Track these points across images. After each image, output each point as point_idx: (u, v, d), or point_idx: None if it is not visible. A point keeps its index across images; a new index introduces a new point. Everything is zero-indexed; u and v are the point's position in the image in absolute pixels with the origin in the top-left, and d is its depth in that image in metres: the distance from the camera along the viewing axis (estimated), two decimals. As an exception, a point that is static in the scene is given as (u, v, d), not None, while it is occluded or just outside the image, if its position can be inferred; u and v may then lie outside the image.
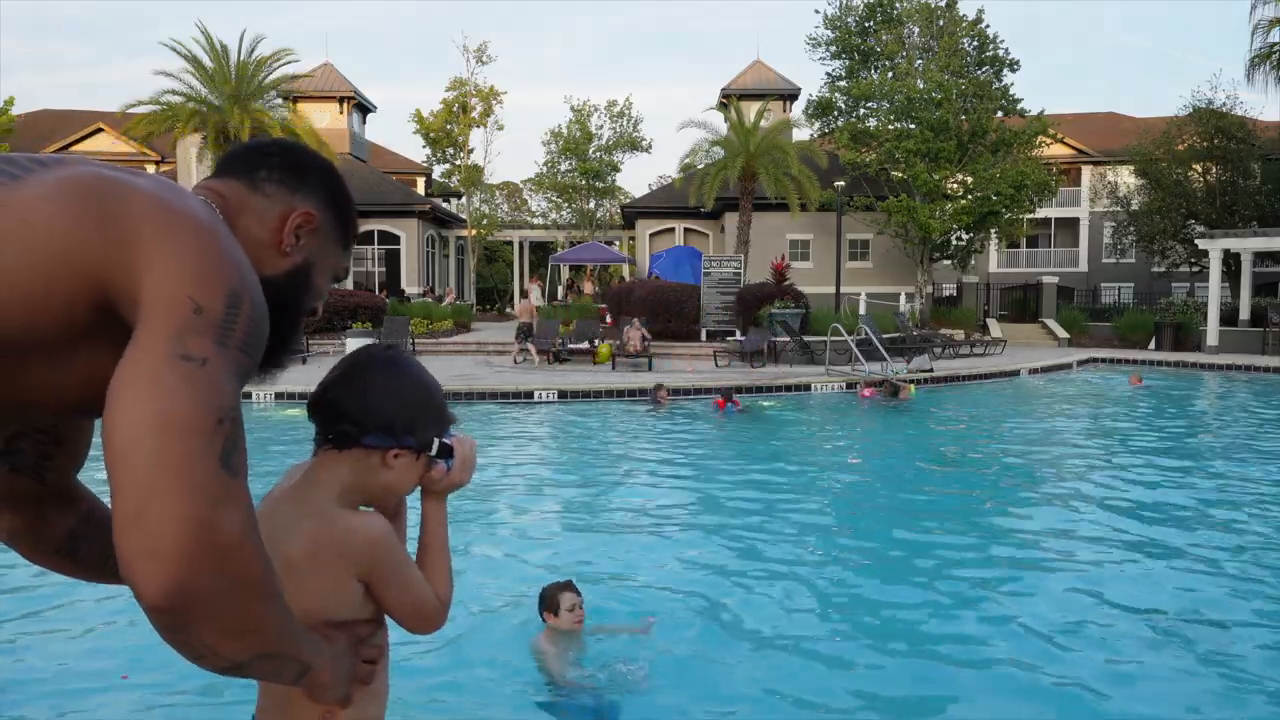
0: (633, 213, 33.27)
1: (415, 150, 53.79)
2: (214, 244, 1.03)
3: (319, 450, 1.40)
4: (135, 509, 0.90)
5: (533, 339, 18.94)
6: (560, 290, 35.15)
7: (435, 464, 1.43)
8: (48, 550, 1.38)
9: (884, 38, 27.35)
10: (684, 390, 14.05)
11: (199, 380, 0.95)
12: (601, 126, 39.72)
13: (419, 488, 1.47)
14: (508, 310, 38.32)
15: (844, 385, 15.15)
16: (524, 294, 32.70)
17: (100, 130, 40.62)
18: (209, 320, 0.98)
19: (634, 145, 39.97)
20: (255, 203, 1.26)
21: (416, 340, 20.34)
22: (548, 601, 4.07)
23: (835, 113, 28.11)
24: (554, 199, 42.91)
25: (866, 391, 14.29)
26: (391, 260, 31.50)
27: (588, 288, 33.61)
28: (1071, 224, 39.65)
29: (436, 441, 1.42)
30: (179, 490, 0.91)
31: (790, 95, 31.90)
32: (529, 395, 13.57)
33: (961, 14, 27.06)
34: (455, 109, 38.77)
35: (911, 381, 15.03)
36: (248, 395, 13.37)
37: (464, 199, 40.01)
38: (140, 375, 0.95)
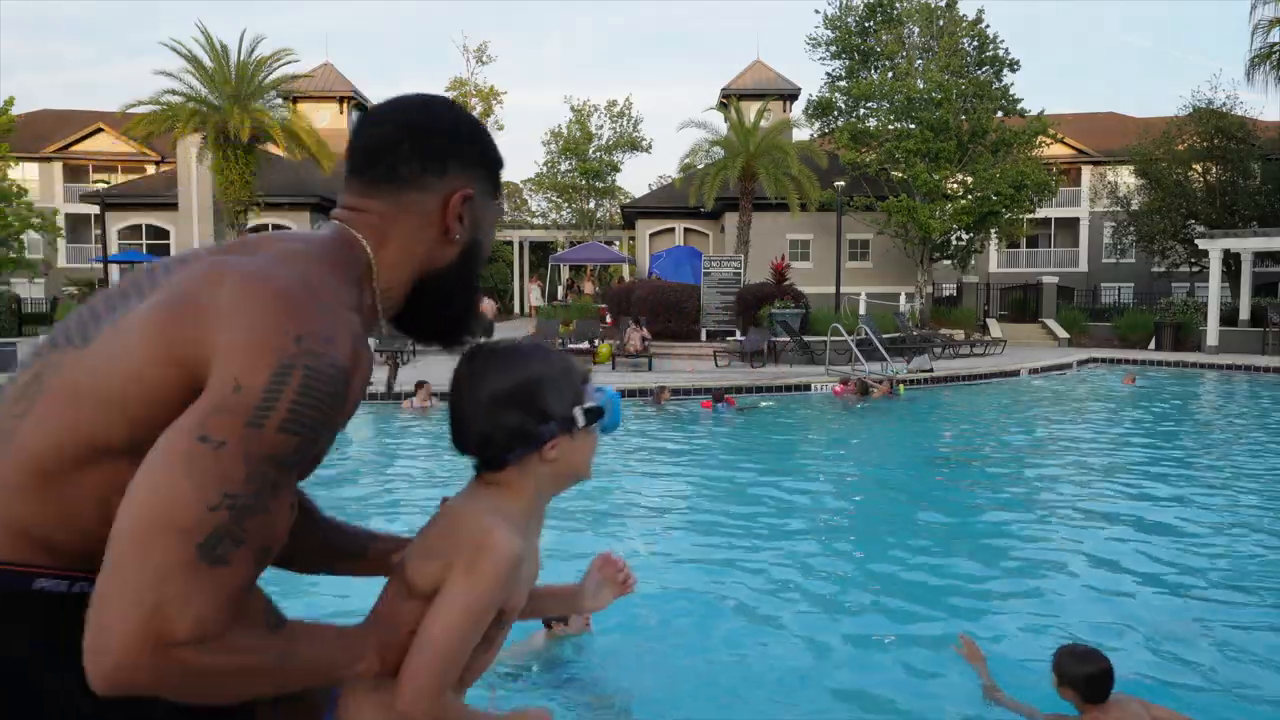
0: (633, 213, 33.26)
1: (415, 150, 53.70)
2: (280, 314, 1.01)
3: (479, 476, 1.36)
4: (101, 592, 0.91)
5: (489, 336, 19.57)
6: (560, 290, 35.14)
7: (595, 429, 1.36)
8: None
9: (884, 38, 27.33)
10: (684, 390, 14.05)
11: (205, 464, 0.94)
12: (601, 126, 39.73)
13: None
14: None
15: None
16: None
17: (100, 130, 40.62)
18: (244, 400, 0.96)
19: (634, 145, 39.96)
20: (410, 202, 1.21)
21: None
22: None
23: (835, 113, 28.09)
24: (554, 199, 42.88)
25: (838, 389, 14.29)
26: (391, 260, 31.47)
27: (588, 288, 33.61)
28: (1071, 224, 39.64)
29: (579, 411, 1.32)
30: (138, 586, 0.90)
31: (790, 95, 31.89)
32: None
33: (961, 14, 27.04)
34: (455, 109, 38.75)
35: (900, 381, 14.97)
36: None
37: (464, 199, 39.98)
38: (152, 457, 0.95)
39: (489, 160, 1.28)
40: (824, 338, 18.19)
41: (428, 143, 1.22)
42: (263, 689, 1.04)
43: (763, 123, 25.52)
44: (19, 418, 1.04)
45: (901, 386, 14.51)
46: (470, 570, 1.22)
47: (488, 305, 20.79)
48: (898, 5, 27.19)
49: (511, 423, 1.29)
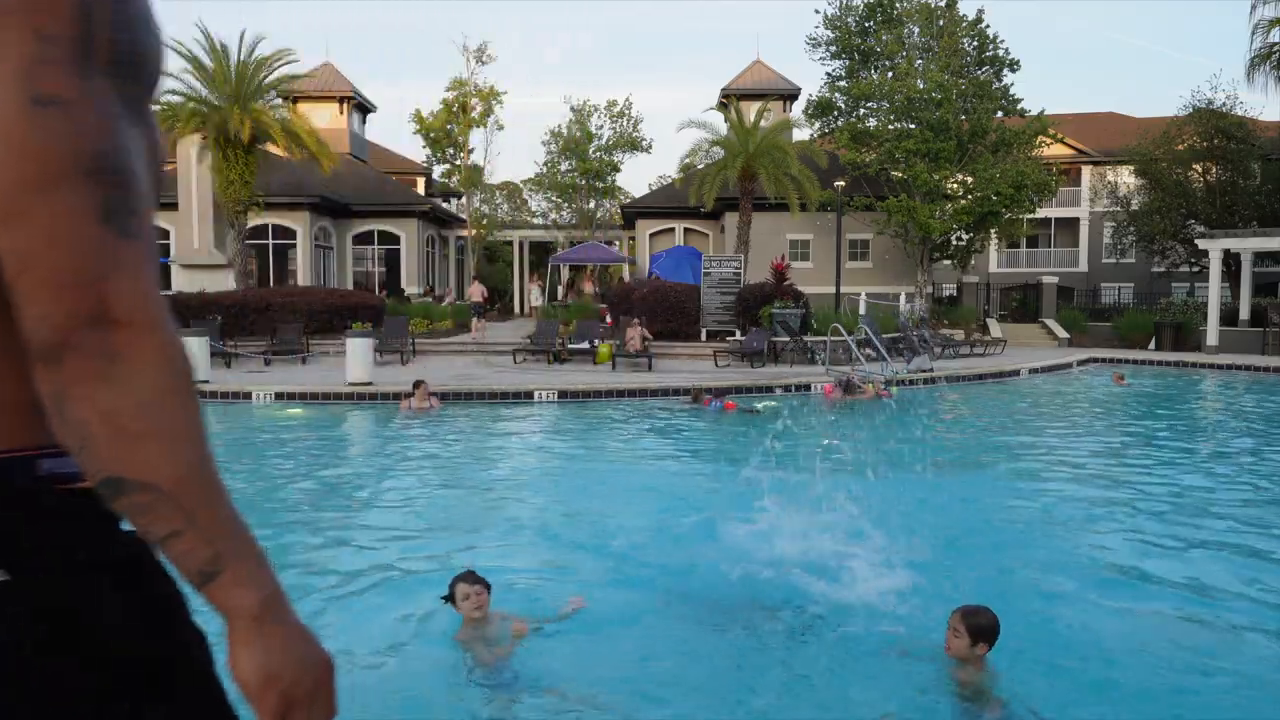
0: (633, 213, 33.26)
1: (415, 150, 53.72)
2: None
3: None
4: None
5: (483, 317, 23.35)
6: (560, 290, 35.12)
7: None
8: None
9: (884, 38, 27.34)
10: (682, 390, 14.05)
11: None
12: (601, 126, 39.69)
13: None
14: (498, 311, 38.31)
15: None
16: (453, 284, 35.18)
17: (100, 130, 40.57)
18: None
19: (634, 145, 39.92)
20: None
21: (416, 340, 20.31)
22: (450, 593, 4.08)
23: (835, 113, 28.09)
24: (554, 199, 42.86)
25: (827, 388, 14.29)
26: (391, 260, 31.54)
27: (588, 288, 33.59)
28: (1071, 224, 39.63)
29: None
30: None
31: (790, 95, 31.88)
32: (529, 395, 13.57)
33: (961, 14, 27.06)
34: (455, 109, 38.75)
35: (892, 383, 14.95)
36: (248, 395, 13.28)
37: (464, 199, 40.01)
38: None
39: None
40: (824, 338, 18.19)
41: None
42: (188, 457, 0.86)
43: (763, 123, 25.50)
44: None
45: (893, 388, 14.52)
46: None
47: (475, 289, 23.28)
48: (898, 5, 27.20)
49: None
